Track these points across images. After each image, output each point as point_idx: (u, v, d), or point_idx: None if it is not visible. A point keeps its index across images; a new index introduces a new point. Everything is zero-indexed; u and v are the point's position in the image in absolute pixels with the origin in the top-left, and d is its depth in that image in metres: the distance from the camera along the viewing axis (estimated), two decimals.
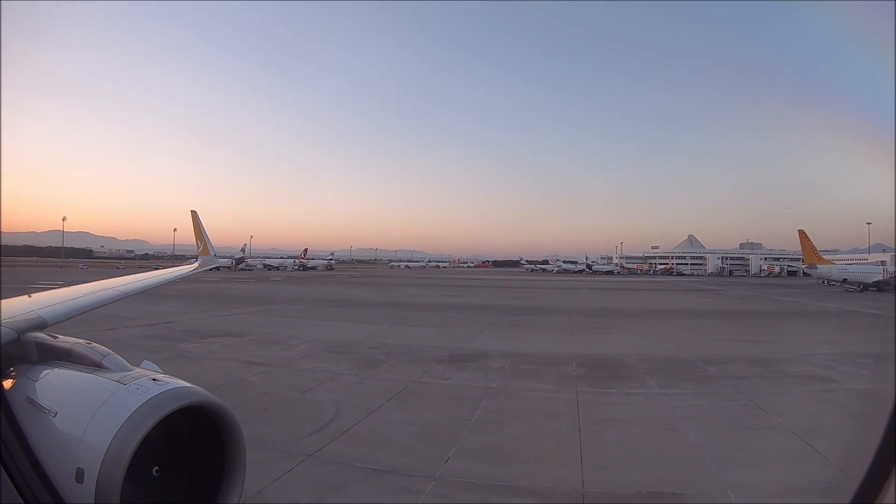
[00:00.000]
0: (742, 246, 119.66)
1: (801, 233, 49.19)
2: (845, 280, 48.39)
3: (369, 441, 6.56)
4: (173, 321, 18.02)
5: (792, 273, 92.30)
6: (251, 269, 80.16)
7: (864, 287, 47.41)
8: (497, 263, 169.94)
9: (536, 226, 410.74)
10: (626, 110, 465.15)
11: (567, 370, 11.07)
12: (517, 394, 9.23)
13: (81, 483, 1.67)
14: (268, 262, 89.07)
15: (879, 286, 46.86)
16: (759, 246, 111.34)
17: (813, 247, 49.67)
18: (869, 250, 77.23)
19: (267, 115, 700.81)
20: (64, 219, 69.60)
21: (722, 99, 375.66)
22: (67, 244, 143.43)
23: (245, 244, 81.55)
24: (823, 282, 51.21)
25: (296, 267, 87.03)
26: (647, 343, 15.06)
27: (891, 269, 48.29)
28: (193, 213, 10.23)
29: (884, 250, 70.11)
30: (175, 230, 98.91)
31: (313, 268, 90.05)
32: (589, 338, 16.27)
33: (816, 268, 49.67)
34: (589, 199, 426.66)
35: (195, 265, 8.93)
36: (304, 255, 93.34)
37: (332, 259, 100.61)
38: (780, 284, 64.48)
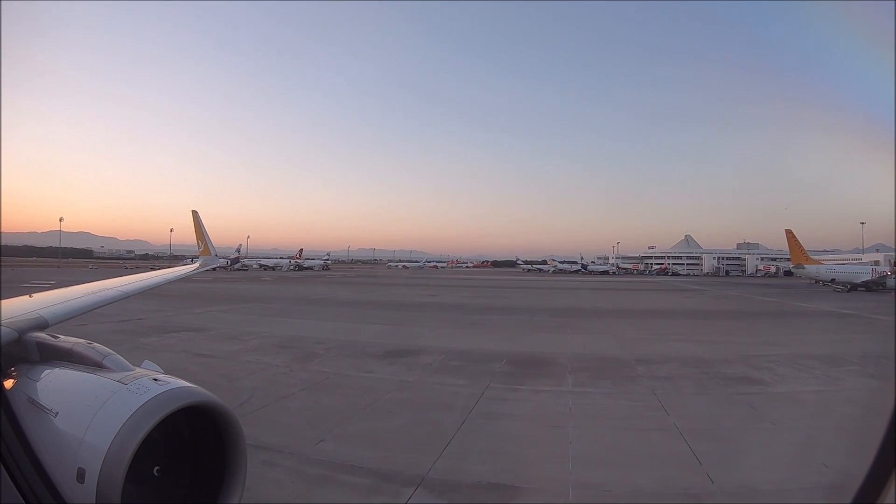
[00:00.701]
0: (739, 246, 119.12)
1: (789, 232, 48.92)
2: (833, 280, 48.09)
3: (261, 422, 6.96)
4: (145, 318, 18.45)
5: (788, 273, 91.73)
6: (246, 269, 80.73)
7: (853, 287, 47.10)
8: (496, 264, 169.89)
9: (537, 226, 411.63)
10: (625, 110, 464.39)
11: (492, 367, 11.24)
12: (427, 387, 9.45)
13: (82, 483, 1.67)
14: (263, 262, 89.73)
15: (868, 286, 46.56)
16: (756, 246, 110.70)
17: (800, 246, 49.39)
18: (864, 250, 76.54)
19: (268, 115, 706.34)
20: (61, 219, 70.76)
21: (721, 99, 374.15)
22: (68, 244, 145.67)
23: (240, 244, 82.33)
24: (817, 282, 50.86)
25: (291, 267, 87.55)
26: (593, 342, 15.18)
27: (879, 269, 47.97)
28: (194, 213, 10.24)
29: (878, 250, 69.48)
30: (171, 230, 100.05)
31: (309, 268, 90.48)
32: (538, 336, 16.40)
33: (804, 268, 49.38)
34: (590, 199, 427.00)
35: (196, 265, 8.97)
36: (300, 256, 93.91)
37: (328, 259, 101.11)
38: (770, 284, 64.16)
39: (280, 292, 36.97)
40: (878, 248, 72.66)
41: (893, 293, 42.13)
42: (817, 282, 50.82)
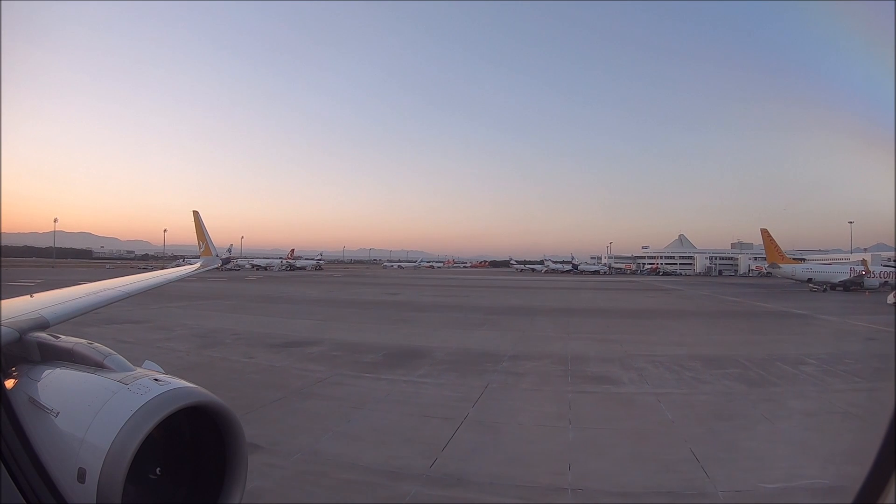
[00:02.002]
0: (733, 246, 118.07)
1: (765, 232, 48.63)
2: (810, 280, 47.78)
3: None
4: (102, 311, 19.43)
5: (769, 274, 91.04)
6: (238, 269, 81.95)
7: (832, 287, 46.79)
8: (494, 264, 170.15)
9: (537, 226, 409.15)
10: (626, 110, 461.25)
11: (363, 357, 11.92)
12: (285, 371, 10.30)
13: (83, 483, 1.68)
14: (256, 262, 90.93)
15: (845, 286, 46.22)
16: (749, 246, 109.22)
17: (776, 246, 49.10)
18: (853, 250, 75.57)
19: (268, 115, 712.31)
20: (55, 220, 72.41)
21: (719, 98, 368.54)
22: (69, 244, 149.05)
23: (231, 245, 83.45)
24: (809, 281, 50.41)
25: (283, 267, 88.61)
26: (492, 338, 15.44)
27: (858, 268, 47.58)
28: (195, 213, 10.29)
29: (865, 250, 68.61)
30: (165, 231, 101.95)
31: (302, 268, 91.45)
32: (446, 332, 16.71)
33: (779, 267, 49.04)
34: (590, 199, 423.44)
35: (197, 265, 9.06)
36: (292, 255, 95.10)
37: (320, 259, 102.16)
38: (753, 284, 63.59)
39: (249, 291, 37.84)
40: (864, 249, 71.72)
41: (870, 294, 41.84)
42: (798, 282, 50.54)
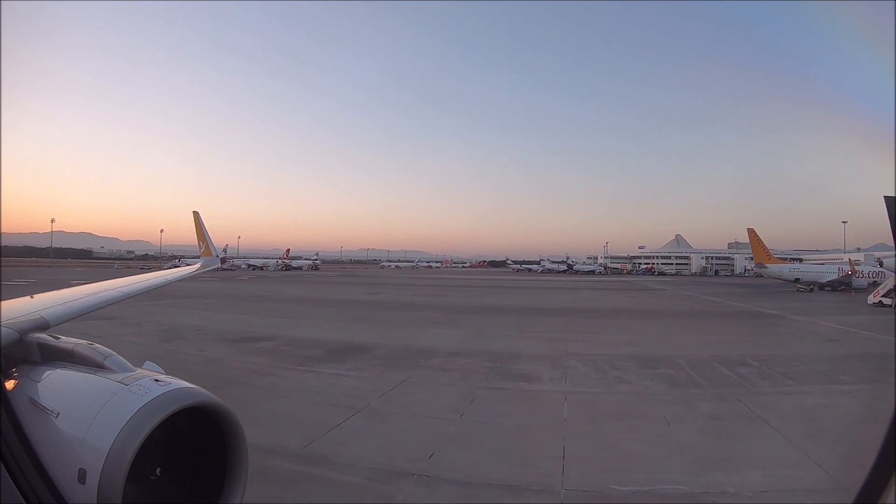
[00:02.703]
0: (730, 246, 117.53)
1: (751, 231, 48.46)
2: (797, 280, 47.59)
3: None
4: None
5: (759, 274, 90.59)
6: (234, 270, 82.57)
7: (820, 287, 46.61)
8: (494, 264, 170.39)
9: (537, 226, 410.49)
10: (625, 111, 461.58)
11: (310, 352, 12.46)
12: (227, 364, 10.97)
13: (83, 484, 1.68)
14: (252, 262, 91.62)
15: (833, 286, 46.04)
16: (746, 246, 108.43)
17: (763, 246, 48.95)
18: (846, 250, 75.13)
19: (268, 115, 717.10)
20: (53, 220, 73.30)
21: (719, 98, 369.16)
22: (70, 245, 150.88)
23: (227, 245, 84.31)
24: (796, 281, 50.12)
25: (279, 267, 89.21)
26: (444, 335, 15.58)
27: (845, 268, 47.40)
28: (195, 213, 10.35)
29: (858, 249, 68.19)
30: (162, 231, 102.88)
31: (298, 268, 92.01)
32: (399, 330, 16.91)
33: (766, 267, 48.85)
34: (591, 200, 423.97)
35: (197, 265, 9.16)
36: (287, 256, 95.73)
37: (316, 259, 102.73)
38: (743, 284, 63.39)
39: (235, 290, 38.23)
40: (857, 249, 71.33)
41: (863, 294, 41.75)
42: (786, 281, 50.35)
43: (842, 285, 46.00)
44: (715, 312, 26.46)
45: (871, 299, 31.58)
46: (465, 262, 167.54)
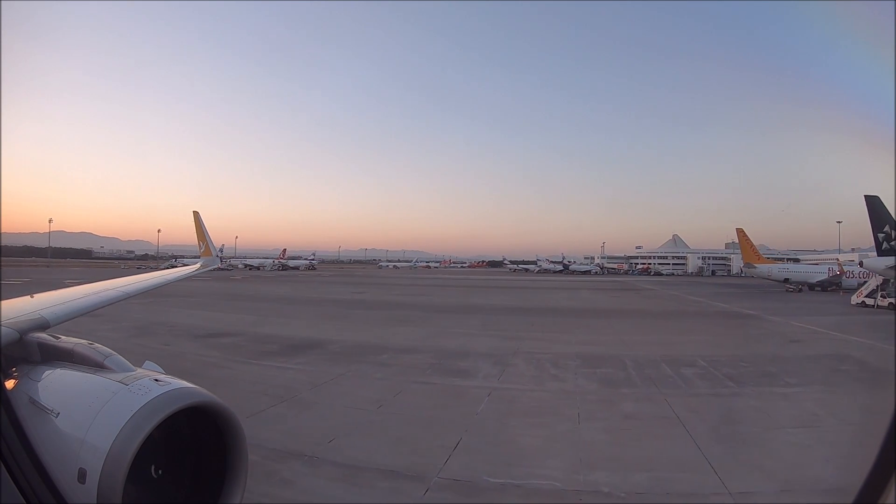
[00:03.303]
0: (727, 246, 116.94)
1: (740, 231, 48.24)
2: (787, 280, 47.43)
3: None
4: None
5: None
6: (231, 269, 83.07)
7: (811, 287, 46.45)
8: (493, 264, 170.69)
9: (537, 226, 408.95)
10: (626, 111, 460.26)
11: (267, 348, 13.00)
12: (185, 357, 11.57)
13: (83, 483, 1.68)
14: (248, 262, 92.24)
15: (823, 286, 45.87)
16: None
17: (752, 246, 48.83)
18: (841, 250, 74.66)
19: (268, 115, 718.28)
20: (50, 221, 74.29)
21: (718, 98, 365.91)
22: (70, 244, 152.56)
23: (223, 245, 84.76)
24: (786, 281, 49.78)
25: (275, 267, 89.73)
26: (404, 333, 15.93)
27: (835, 268, 47.23)
28: (196, 213, 10.36)
29: (853, 250, 67.77)
30: (159, 231, 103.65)
31: (295, 268, 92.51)
32: (363, 328, 17.27)
33: (754, 267, 48.68)
34: (591, 200, 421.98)
35: (197, 265, 9.21)
36: (284, 256, 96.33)
37: (313, 259, 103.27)
38: (735, 284, 63.10)
39: (223, 289, 38.69)
40: (862, 249, 70.82)
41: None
42: (776, 282, 50.16)
43: (832, 285, 45.79)
44: (692, 313, 26.45)
45: (855, 299, 31.55)
46: (465, 263, 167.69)
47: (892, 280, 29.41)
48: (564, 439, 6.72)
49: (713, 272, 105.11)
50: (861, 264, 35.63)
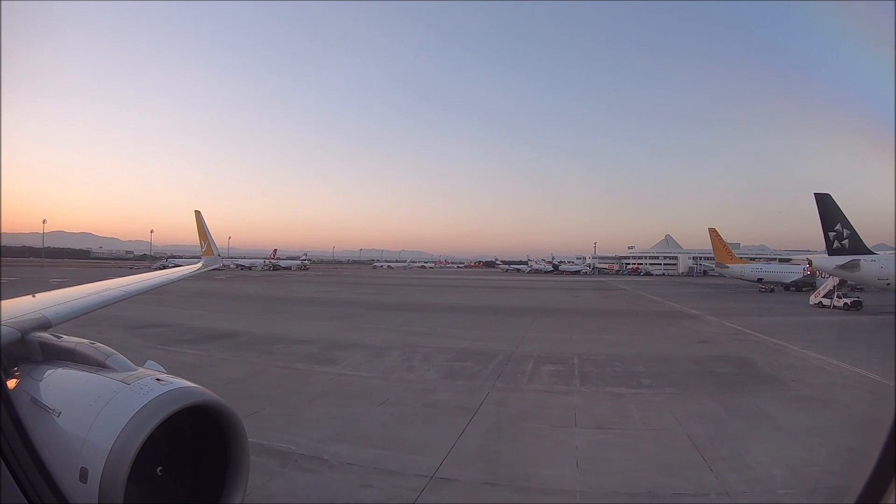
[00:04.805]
0: None
1: (712, 231, 48.01)
2: (760, 280, 47.06)
3: None
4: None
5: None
6: (222, 269, 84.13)
7: (785, 287, 46.16)
8: (489, 264, 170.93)
9: (536, 226, 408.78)
10: (624, 110, 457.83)
11: (186, 337, 14.29)
12: (109, 343, 12.10)
13: (85, 483, 1.68)
14: (240, 262, 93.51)
15: (797, 286, 45.56)
16: (736, 245, 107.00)
17: (725, 246, 48.62)
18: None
19: (267, 116, 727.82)
20: (44, 221, 75.92)
21: (717, 98, 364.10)
22: (70, 244, 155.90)
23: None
24: (759, 281, 49.41)
25: (266, 267, 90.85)
26: (320, 328, 16.79)
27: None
28: (197, 213, 10.40)
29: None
30: (152, 231, 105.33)
31: (287, 268, 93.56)
32: (288, 322, 18.28)
33: (727, 267, 48.38)
34: (592, 200, 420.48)
35: (199, 265, 9.25)
36: (274, 256, 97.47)
37: (305, 259, 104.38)
38: (711, 285, 62.44)
39: (191, 288, 39.46)
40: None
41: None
42: (749, 282, 49.78)
43: (806, 286, 45.31)
44: (632, 312, 26.63)
45: (813, 300, 31.41)
46: (462, 263, 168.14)
47: (850, 280, 29.23)
48: (343, 416, 7.49)
49: (704, 272, 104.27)
50: (810, 264, 35.28)
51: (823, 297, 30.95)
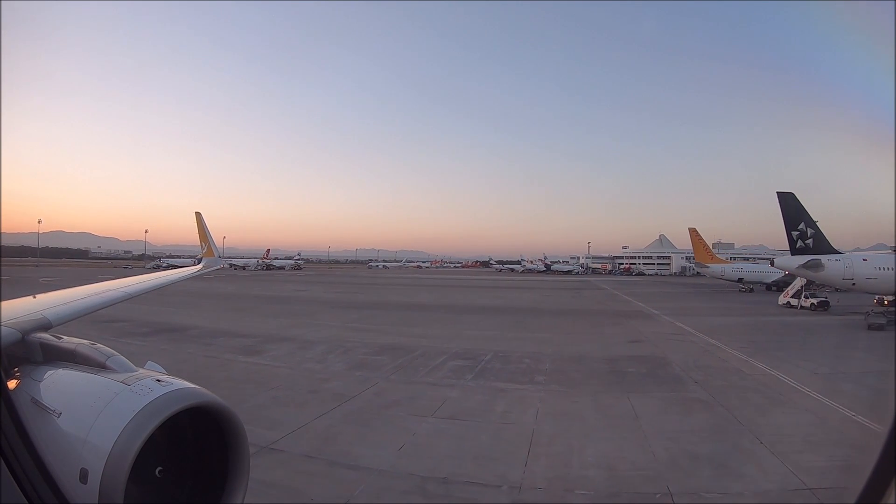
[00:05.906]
0: (714, 246, 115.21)
1: (692, 231, 48.03)
2: (741, 280, 46.88)
3: None
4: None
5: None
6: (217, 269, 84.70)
7: (767, 287, 46.01)
8: (486, 264, 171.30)
9: (534, 226, 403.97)
10: (623, 110, 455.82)
11: (142, 330, 15.17)
12: (70, 333, 13.29)
13: (85, 483, 1.69)
14: (234, 262, 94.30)
15: (778, 286, 45.40)
16: (730, 245, 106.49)
17: (705, 245, 48.67)
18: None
19: (267, 116, 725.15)
20: (39, 221, 76.83)
21: (716, 98, 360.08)
22: (69, 244, 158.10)
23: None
24: (739, 281, 49.41)
25: (259, 267, 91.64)
26: (271, 323, 17.63)
27: None
28: (198, 214, 10.36)
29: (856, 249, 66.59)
30: (146, 231, 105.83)
31: (281, 268, 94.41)
32: (244, 319, 19.07)
33: (707, 267, 48.42)
34: (587, 200, 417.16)
35: (199, 266, 9.27)
36: (267, 256, 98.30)
37: (299, 259, 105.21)
38: (693, 284, 62.95)
39: (177, 286, 40.45)
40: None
41: None
42: (730, 281, 49.62)
43: (788, 286, 45.36)
44: (592, 311, 27.00)
45: (781, 300, 31.49)
46: (459, 263, 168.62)
47: (814, 280, 29.17)
48: (237, 398, 8.05)
49: (697, 273, 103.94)
50: (772, 263, 35.19)
51: (791, 297, 31.06)
